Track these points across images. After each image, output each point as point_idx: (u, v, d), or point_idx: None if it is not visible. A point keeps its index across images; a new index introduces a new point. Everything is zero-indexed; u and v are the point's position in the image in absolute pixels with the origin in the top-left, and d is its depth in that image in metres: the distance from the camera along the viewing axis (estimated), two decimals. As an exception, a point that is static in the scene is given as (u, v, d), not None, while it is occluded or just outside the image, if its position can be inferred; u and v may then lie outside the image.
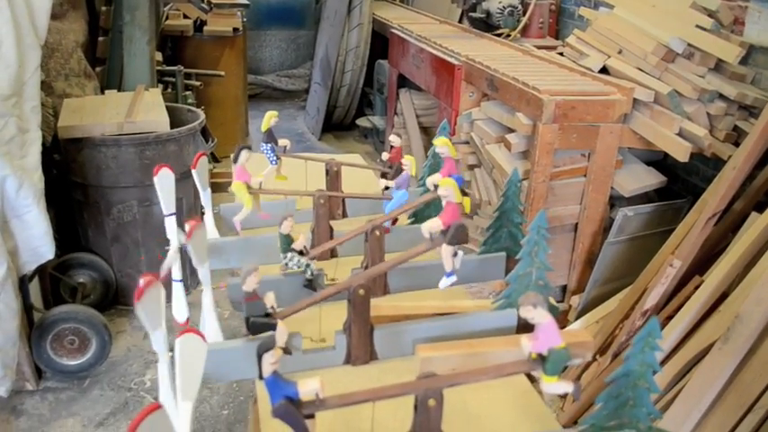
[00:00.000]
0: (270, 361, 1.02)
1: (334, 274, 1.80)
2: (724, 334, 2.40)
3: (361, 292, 1.37)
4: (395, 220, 2.04)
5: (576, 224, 3.46)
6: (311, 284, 1.70)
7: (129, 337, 3.54)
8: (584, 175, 3.38)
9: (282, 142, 2.13)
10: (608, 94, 3.23)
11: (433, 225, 1.42)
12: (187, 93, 4.96)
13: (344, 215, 2.25)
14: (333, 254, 1.96)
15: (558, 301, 3.66)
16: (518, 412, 1.31)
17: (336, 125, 7.18)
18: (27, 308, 3.11)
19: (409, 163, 1.88)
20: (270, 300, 1.37)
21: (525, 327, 1.53)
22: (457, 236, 1.40)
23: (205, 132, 3.77)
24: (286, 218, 1.64)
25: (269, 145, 2.08)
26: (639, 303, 2.87)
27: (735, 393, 2.34)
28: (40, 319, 3.10)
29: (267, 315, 1.37)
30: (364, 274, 1.40)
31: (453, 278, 1.48)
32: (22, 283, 3.04)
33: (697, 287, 2.72)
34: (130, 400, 3.08)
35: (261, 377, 1.04)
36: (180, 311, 1.81)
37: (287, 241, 1.66)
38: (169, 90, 4.96)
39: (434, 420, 1.11)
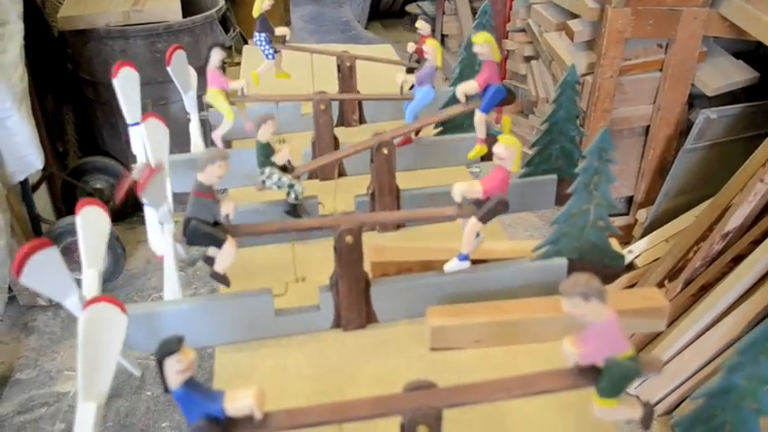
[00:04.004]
0: (175, 369, 0.68)
1: (334, 200, 1.43)
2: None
3: (349, 239, 1.00)
4: (418, 130, 1.64)
5: (648, 127, 3.03)
6: (294, 211, 1.34)
7: (149, 249, 3.29)
8: (660, 70, 2.94)
9: (281, 30, 1.72)
10: (694, -30, 2.68)
11: (470, 188, 1.04)
12: (216, -24, 4.49)
13: (362, 121, 1.86)
14: (341, 173, 1.59)
15: (622, 214, 3.24)
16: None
17: (384, 12, 6.62)
18: (33, 218, 2.88)
19: (432, 50, 1.44)
20: (227, 207, 1.05)
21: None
22: (494, 213, 1.03)
23: (225, 22, 3.36)
24: (265, 121, 1.26)
25: (263, 35, 1.67)
26: (720, 223, 2.44)
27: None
28: (46, 230, 2.87)
29: (216, 225, 1.04)
30: (356, 218, 1.03)
31: (466, 263, 1.10)
32: (25, 191, 2.79)
33: (793, 208, 2.26)
34: (146, 318, 2.85)
35: (167, 390, 0.70)
36: (157, 241, 1.49)
37: (265, 152, 1.30)
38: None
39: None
